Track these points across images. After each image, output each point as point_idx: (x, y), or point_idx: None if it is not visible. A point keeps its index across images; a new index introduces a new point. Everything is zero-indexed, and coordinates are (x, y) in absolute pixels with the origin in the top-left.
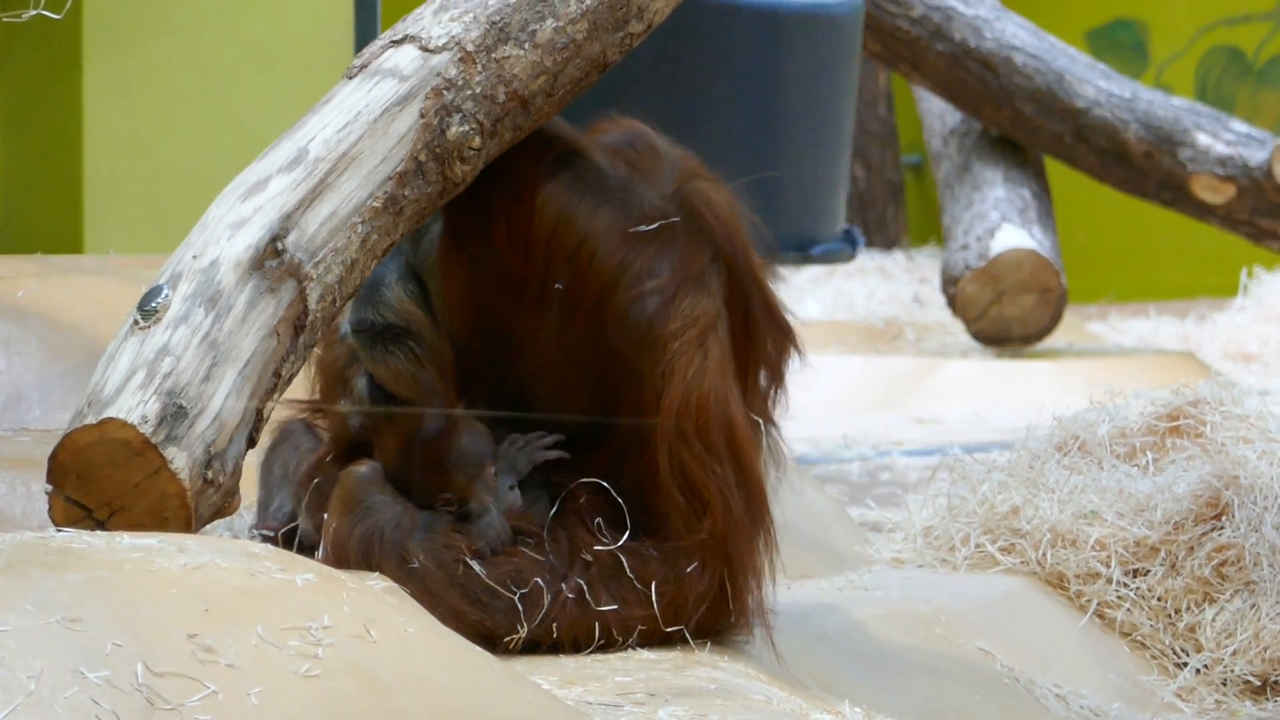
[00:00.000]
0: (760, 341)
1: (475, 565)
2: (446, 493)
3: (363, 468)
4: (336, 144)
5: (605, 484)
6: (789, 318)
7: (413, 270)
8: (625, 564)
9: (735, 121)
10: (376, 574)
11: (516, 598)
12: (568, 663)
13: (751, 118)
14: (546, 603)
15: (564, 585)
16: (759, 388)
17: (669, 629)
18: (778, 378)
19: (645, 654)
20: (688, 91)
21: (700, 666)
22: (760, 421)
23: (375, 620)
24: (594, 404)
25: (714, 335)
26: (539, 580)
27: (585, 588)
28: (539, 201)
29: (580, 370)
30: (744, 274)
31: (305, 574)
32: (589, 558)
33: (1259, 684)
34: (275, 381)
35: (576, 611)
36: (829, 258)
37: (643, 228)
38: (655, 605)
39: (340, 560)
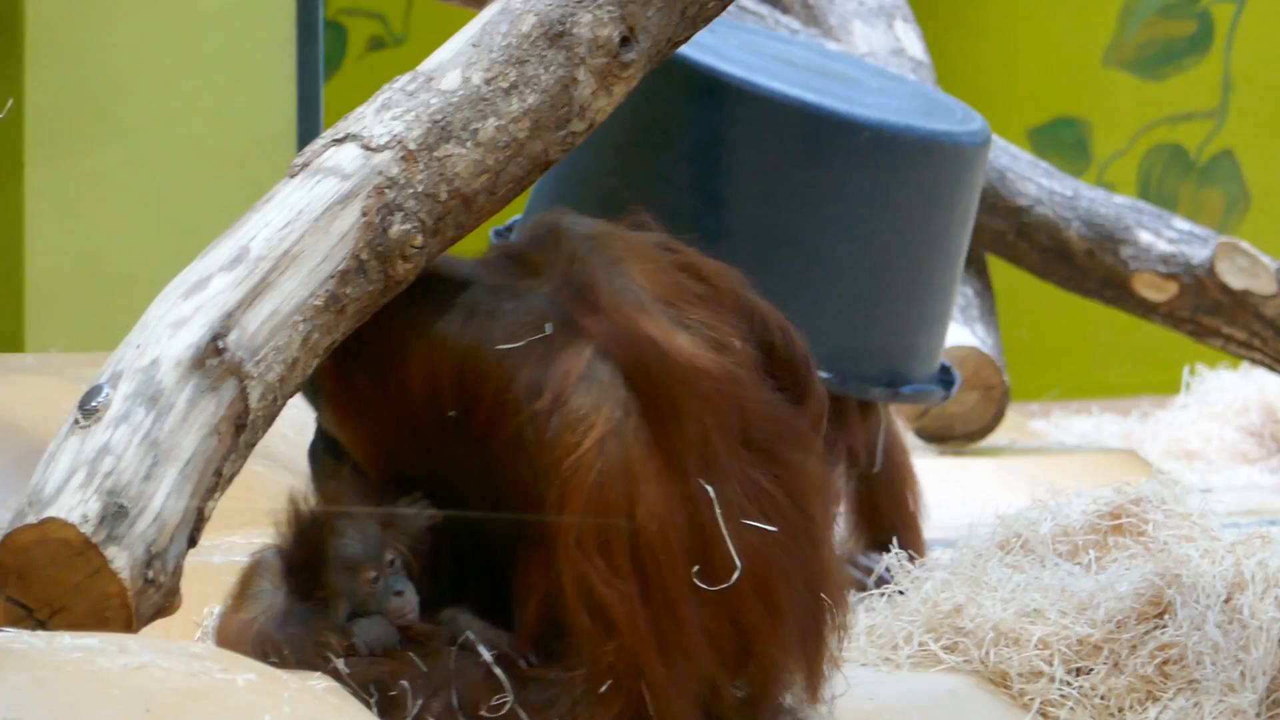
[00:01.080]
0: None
1: (338, 664)
2: (324, 590)
3: (262, 555)
4: (278, 242)
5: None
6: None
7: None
8: (507, 684)
9: (838, 247)
10: (319, 674)
11: (374, 702)
12: None
13: (856, 244)
14: (413, 711)
15: (435, 698)
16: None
17: None
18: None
19: None
20: (794, 208)
21: None
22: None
23: None
24: (506, 529)
25: (613, 436)
26: (406, 685)
27: (461, 702)
28: (396, 336)
29: (488, 496)
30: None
31: (247, 674)
32: (474, 674)
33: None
34: (216, 480)
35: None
36: (919, 398)
37: (506, 346)
38: None
39: (224, 648)
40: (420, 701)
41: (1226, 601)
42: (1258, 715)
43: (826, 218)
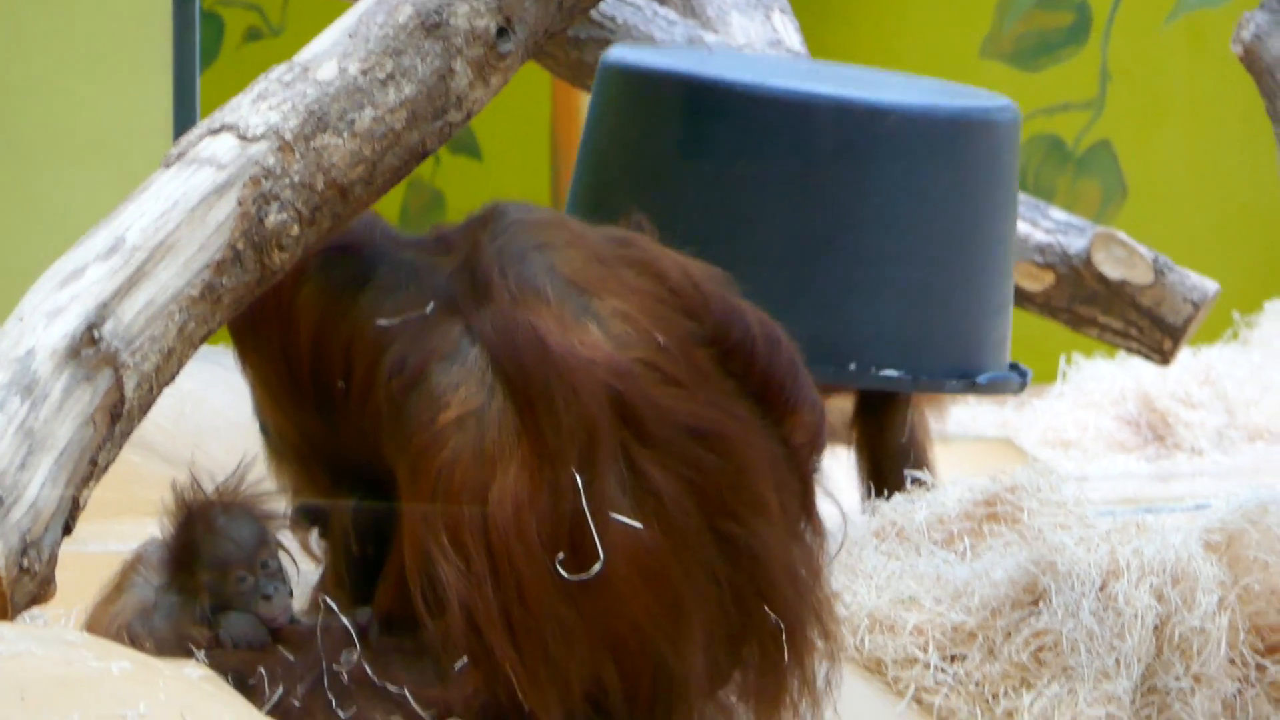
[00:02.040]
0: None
1: (199, 655)
2: (193, 585)
3: (144, 546)
4: (154, 232)
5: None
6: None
7: None
8: (370, 669)
9: (884, 242)
10: (194, 662)
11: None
12: None
13: (902, 237)
14: (271, 700)
15: (300, 686)
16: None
17: None
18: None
19: None
20: (833, 209)
21: None
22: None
23: (192, 708)
24: (390, 509)
25: (471, 418)
26: (264, 674)
27: (332, 690)
28: (299, 304)
29: (378, 473)
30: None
31: (122, 662)
32: (342, 664)
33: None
34: (92, 469)
35: (318, 713)
36: (996, 388)
37: (385, 322)
38: (416, 707)
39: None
40: (281, 689)
41: (1101, 589)
42: (1132, 702)
43: (867, 214)
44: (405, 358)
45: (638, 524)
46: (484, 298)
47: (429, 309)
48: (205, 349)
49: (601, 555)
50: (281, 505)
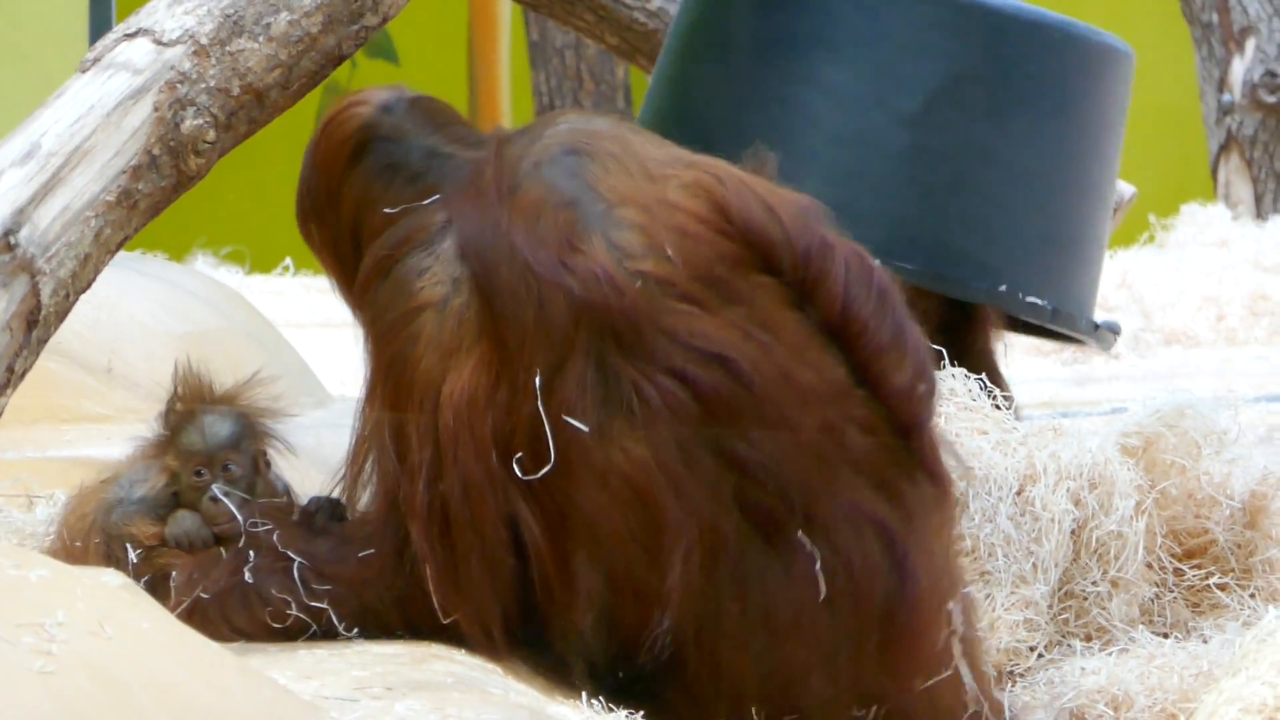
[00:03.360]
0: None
1: (131, 554)
2: (159, 477)
3: (144, 438)
4: (69, 138)
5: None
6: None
7: None
8: (284, 545)
9: (1038, 163)
10: (112, 570)
11: (144, 581)
12: (305, 658)
13: (1054, 161)
14: (195, 589)
15: (225, 575)
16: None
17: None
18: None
19: (384, 649)
20: (989, 117)
21: (438, 660)
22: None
23: (110, 617)
24: None
25: (432, 308)
26: (191, 571)
27: (252, 580)
28: (344, 189)
29: None
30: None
31: (39, 570)
32: (267, 556)
33: (995, 674)
34: (8, 377)
35: (239, 601)
36: (1103, 339)
37: (389, 209)
38: (329, 598)
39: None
40: (199, 591)
41: (1018, 494)
42: (1050, 607)
43: (1020, 129)
44: (385, 244)
45: (584, 427)
46: (474, 193)
47: (429, 200)
48: (122, 255)
49: (552, 458)
50: (277, 419)
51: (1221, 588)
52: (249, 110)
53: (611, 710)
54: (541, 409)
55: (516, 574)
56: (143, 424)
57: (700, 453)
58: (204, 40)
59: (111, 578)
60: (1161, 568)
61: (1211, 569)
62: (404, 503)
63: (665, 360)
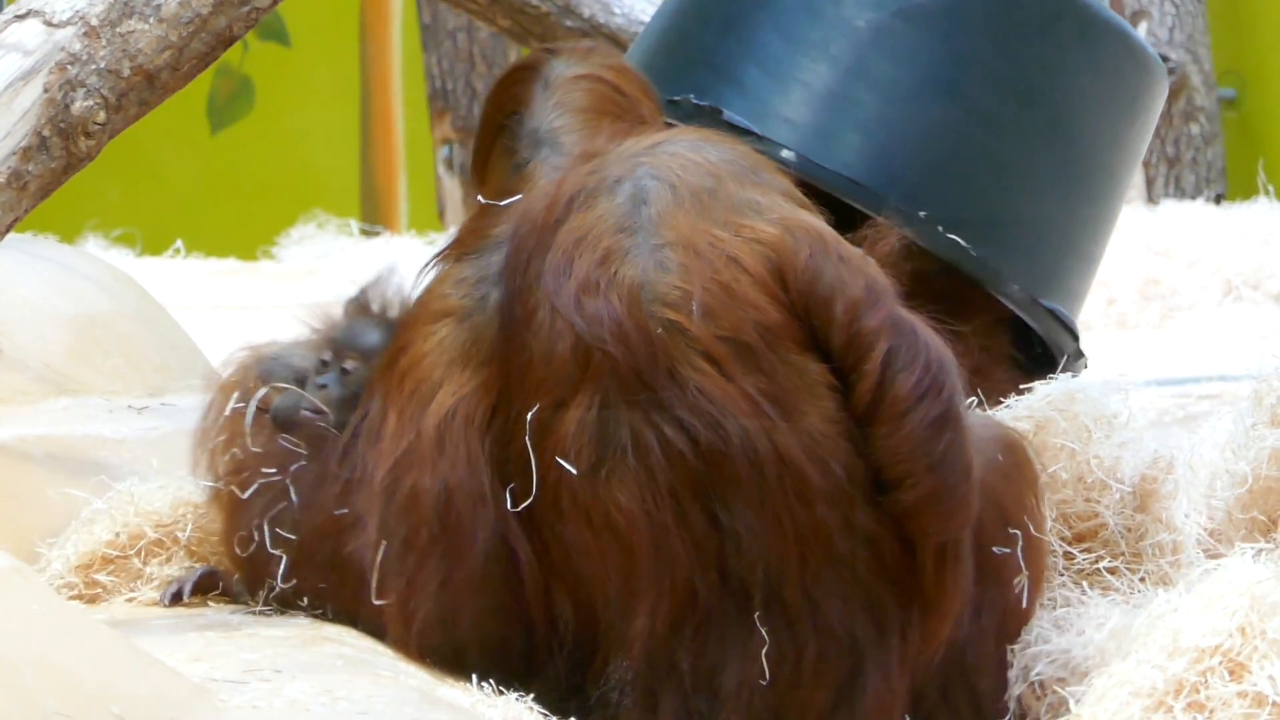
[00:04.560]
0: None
1: (247, 439)
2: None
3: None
4: None
5: None
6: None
7: None
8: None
9: (1048, 149)
10: (2, 553)
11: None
12: (194, 640)
13: (1071, 150)
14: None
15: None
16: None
17: None
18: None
19: (273, 631)
20: (1044, 106)
21: (328, 643)
22: None
23: None
24: None
25: (452, 321)
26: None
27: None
28: (488, 166)
29: None
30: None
31: None
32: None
33: None
34: None
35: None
36: (1077, 366)
37: (489, 201)
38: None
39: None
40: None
41: None
42: None
43: (1066, 119)
44: (454, 239)
45: (573, 470)
46: (537, 207)
47: (508, 201)
48: (13, 237)
49: (534, 493)
50: None
51: (1111, 571)
52: (140, 92)
53: (502, 693)
54: (530, 449)
55: (485, 585)
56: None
57: (689, 510)
58: (94, 21)
59: (2, 560)
60: (1051, 551)
61: (1101, 552)
62: (365, 479)
63: (670, 412)
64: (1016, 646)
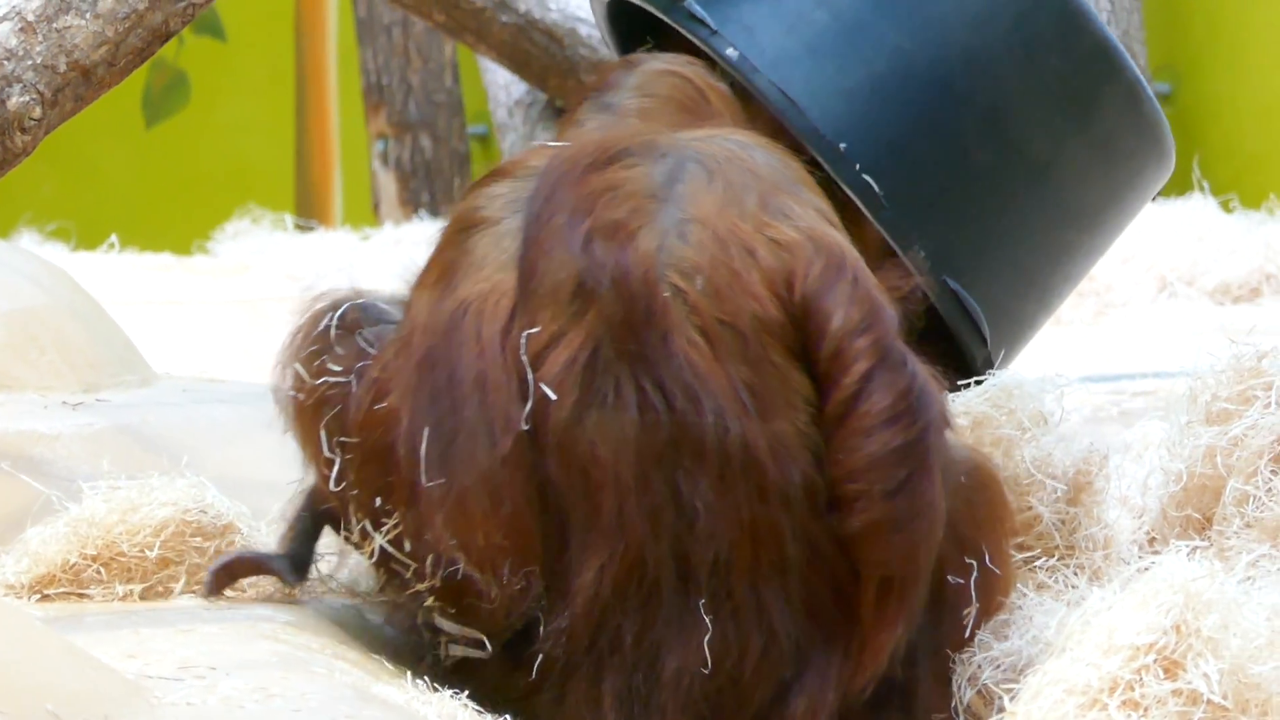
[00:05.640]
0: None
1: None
2: None
3: None
4: None
5: None
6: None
7: None
8: None
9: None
10: None
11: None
12: (128, 637)
13: (1050, 184)
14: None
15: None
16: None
17: None
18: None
19: (209, 628)
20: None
21: (264, 640)
22: None
23: None
24: None
25: (487, 228)
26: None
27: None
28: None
29: None
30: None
31: None
32: None
33: None
34: None
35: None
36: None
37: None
38: None
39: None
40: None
41: None
42: None
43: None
44: (502, 165)
45: (553, 395)
46: (580, 149)
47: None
48: None
49: (529, 406)
50: None
51: (1048, 569)
52: (76, 87)
53: (436, 690)
54: (525, 362)
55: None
56: None
57: (652, 475)
58: (30, 17)
59: None
60: None
61: (1036, 548)
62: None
63: (654, 373)
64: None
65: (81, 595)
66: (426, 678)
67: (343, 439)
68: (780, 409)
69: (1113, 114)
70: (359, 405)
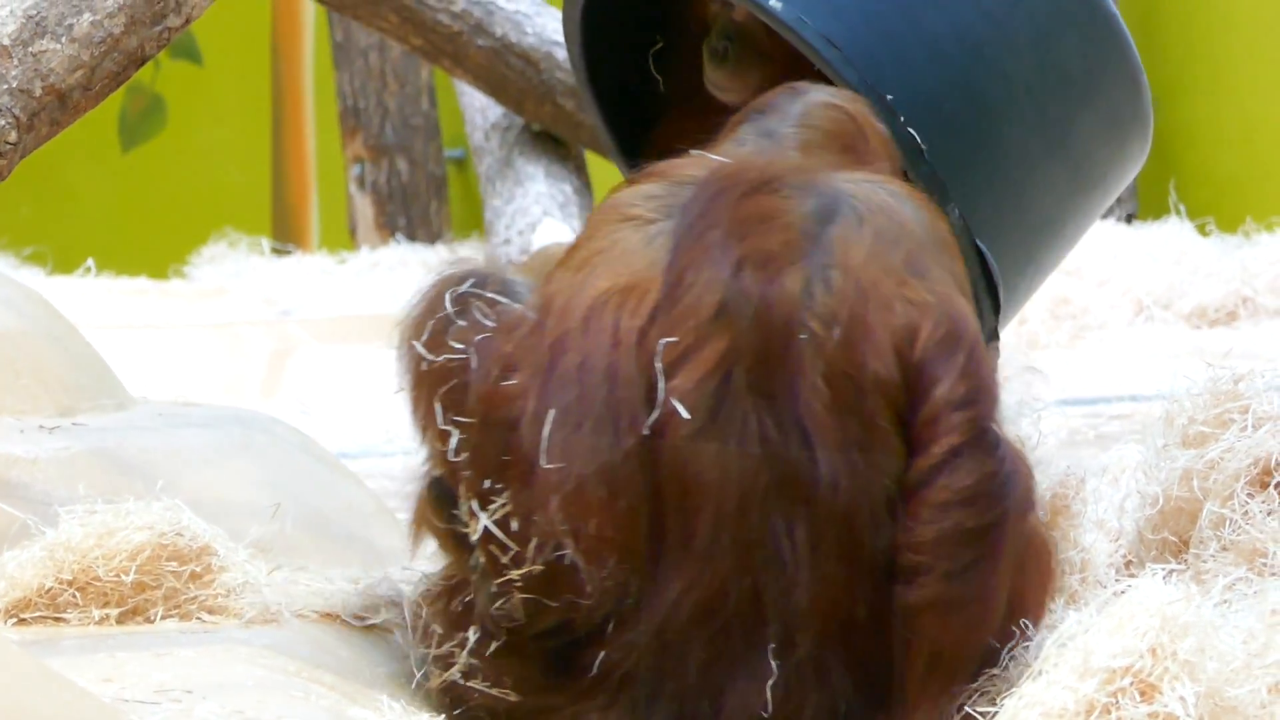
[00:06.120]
0: None
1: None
2: None
3: None
4: None
5: None
6: None
7: None
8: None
9: (1029, 138)
10: None
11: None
12: (104, 661)
13: (1056, 144)
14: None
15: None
16: None
17: None
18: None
19: (185, 651)
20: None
21: (240, 663)
22: None
23: None
24: None
25: (634, 226)
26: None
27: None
28: None
29: None
30: None
31: None
32: None
33: None
34: None
35: None
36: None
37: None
38: None
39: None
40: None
41: None
42: None
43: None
44: (658, 167)
45: (686, 414)
46: (743, 166)
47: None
48: None
49: (656, 412)
50: None
51: None
52: (51, 111)
53: (412, 714)
54: (660, 370)
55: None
56: None
57: (751, 511)
58: (6, 41)
59: None
60: None
61: None
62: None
63: (776, 413)
64: None
65: (58, 619)
66: (401, 702)
67: (457, 416)
68: (880, 474)
69: (1118, 90)
70: (483, 379)
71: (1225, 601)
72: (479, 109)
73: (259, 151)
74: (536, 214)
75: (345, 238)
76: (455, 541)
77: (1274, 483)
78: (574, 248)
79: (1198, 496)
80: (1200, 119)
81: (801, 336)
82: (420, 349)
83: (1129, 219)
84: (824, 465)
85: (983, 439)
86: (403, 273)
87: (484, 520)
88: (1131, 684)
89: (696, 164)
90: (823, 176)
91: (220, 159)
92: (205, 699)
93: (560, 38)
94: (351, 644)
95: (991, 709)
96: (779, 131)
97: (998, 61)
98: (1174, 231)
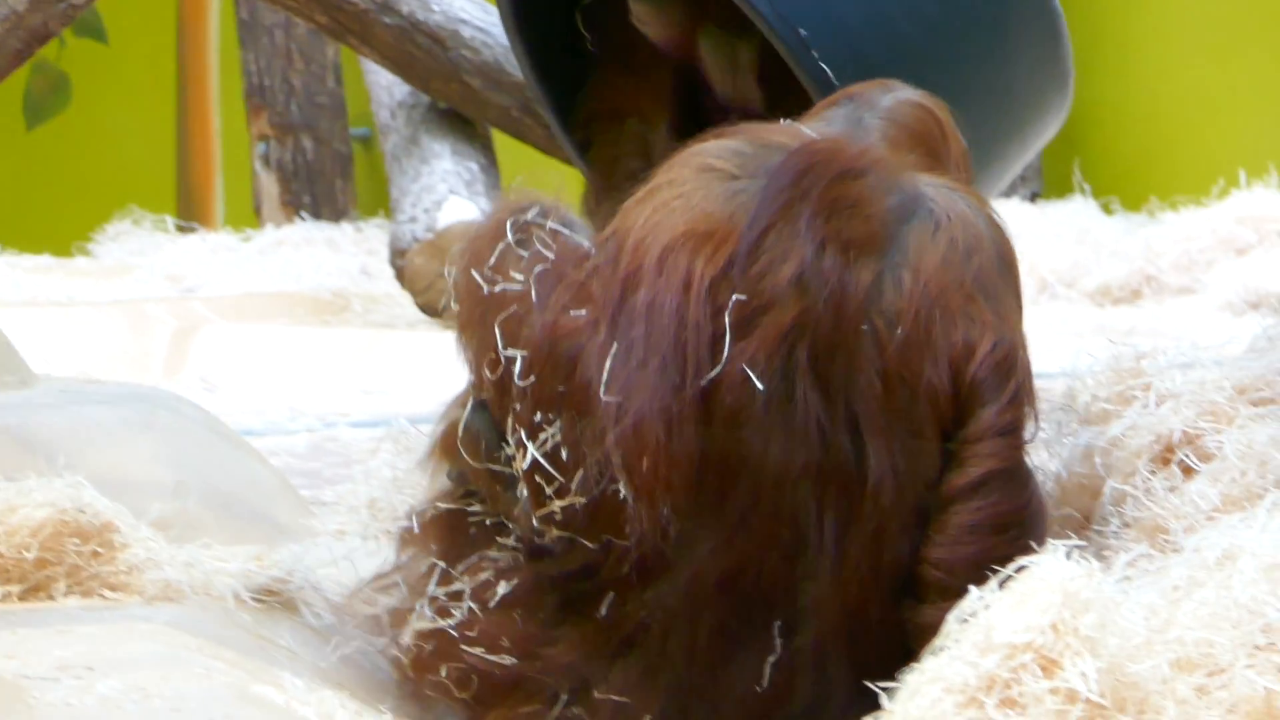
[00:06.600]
0: None
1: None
2: None
3: None
4: None
5: None
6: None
7: None
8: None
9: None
10: None
11: None
12: (6, 637)
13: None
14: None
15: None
16: None
17: None
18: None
19: (86, 628)
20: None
21: (142, 640)
22: None
23: None
24: None
25: (715, 176)
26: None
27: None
28: None
29: None
30: None
31: None
32: None
33: None
34: None
35: None
36: None
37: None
38: None
39: None
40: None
41: None
42: None
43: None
44: (745, 127)
45: (760, 385)
46: (840, 145)
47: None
48: None
49: (716, 371)
50: None
51: None
52: None
53: (315, 690)
54: (729, 325)
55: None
56: None
57: (793, 493)
58: None
59: None
60: None
61: None
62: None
63: (831, 398)
64: None
65: None
66: (302, 680)
67: (509, 347)
68: (919, 481)
69: (1035, 36)
70: (548, 308)
71: (1127, 578)
72: (385, 87)
73: (164, 129)
74: (442, 192)
75: (250, 216)
76: (490, 476)
77: (1176, 460)
78: (651, 190)
79: (1100, 473)
80: (1105, 99)
81: (864, 328)
82: (478, 277)
83: (1033, 197)
84: (871, 461)
85: (1019, 470)
86: (307, 251)
87: (533, 450)
88: (1033, 660)
89: (788, 133)
90: (907, 175)
91: (125, 137)
92: (107, 676)
93: (465, 15)
94: (254, 621)
95: (892, 684)
96: (867, 122)
97: (917, 3)
98: (1078, 210)
